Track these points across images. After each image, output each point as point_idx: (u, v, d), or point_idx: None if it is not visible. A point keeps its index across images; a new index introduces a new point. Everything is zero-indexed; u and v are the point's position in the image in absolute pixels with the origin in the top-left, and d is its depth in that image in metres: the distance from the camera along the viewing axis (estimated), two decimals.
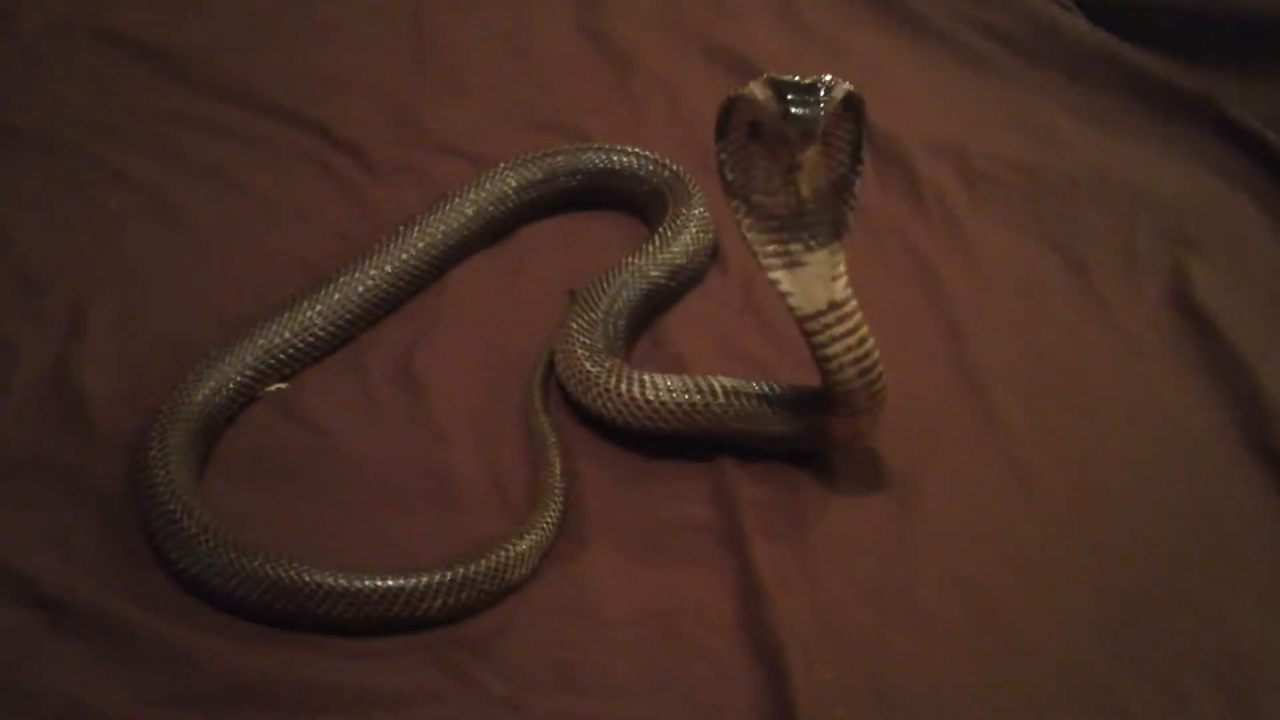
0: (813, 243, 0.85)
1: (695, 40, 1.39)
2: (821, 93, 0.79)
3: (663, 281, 1.04)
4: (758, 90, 0.80)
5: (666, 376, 0.91)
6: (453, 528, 0.87)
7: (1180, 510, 0.90)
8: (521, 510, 0.87)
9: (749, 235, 0.86)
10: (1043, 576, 0.85)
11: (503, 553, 0.82)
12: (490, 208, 1.12)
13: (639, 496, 0.90)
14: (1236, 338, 1.00)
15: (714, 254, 1.10)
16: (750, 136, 0.83)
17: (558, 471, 0.89)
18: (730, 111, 0.84)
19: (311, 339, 0.99)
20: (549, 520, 0.86)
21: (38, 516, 0.85)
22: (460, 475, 0.91)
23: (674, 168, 1.14)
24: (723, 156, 0.85)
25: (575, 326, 0.97)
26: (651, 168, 1.14)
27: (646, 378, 0.91)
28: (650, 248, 1.06)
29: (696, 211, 1.09)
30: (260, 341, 0.97)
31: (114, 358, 0.98)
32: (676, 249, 1.06)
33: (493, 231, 1.12)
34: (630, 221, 1.15)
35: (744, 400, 0.90)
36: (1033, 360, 1.01)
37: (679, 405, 0.90)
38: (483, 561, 0.81)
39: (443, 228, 1.09)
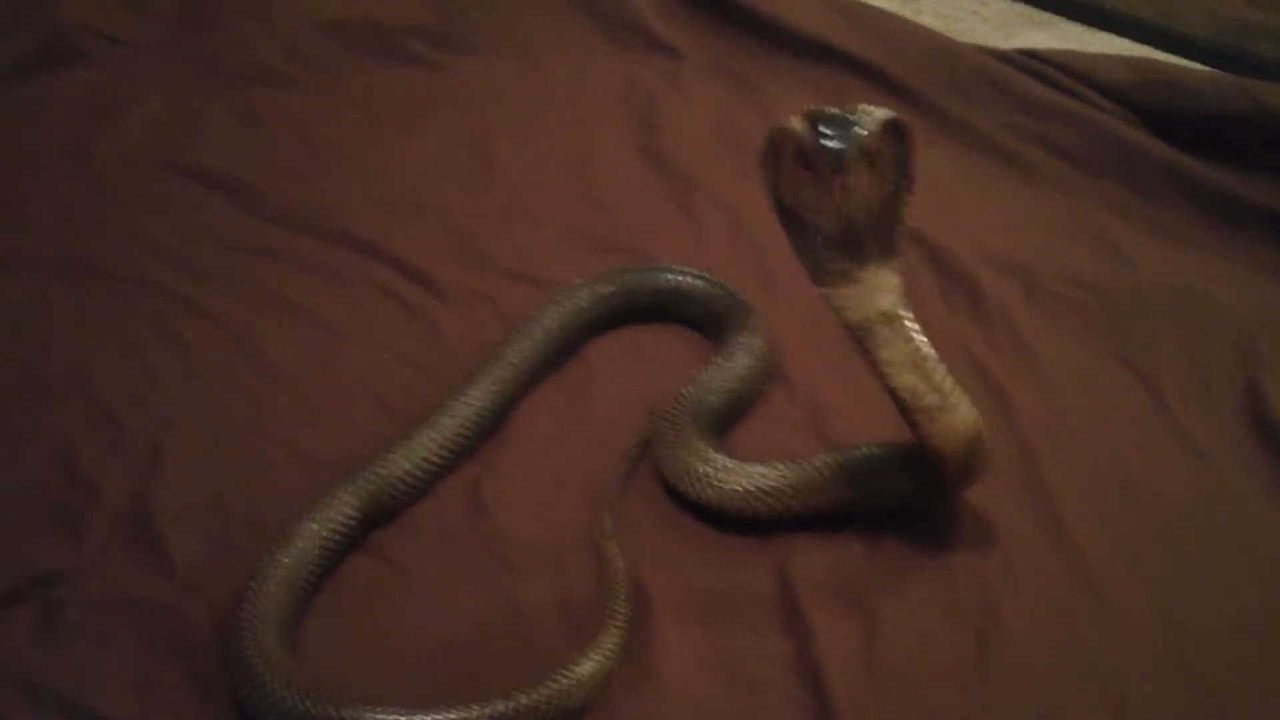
0: (863, 260, 0.89)
1: (750, 157, 1.40)
2: (854, 124, 0.83)
3: (724, 404, 1.06)
4: (795, 123, 0.85)
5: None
6: (525, 658, 0.87)
7: (1268, 638, 0.88)
8: (591, 635, 0.87)
9: (800, 254, 0.91)
10: (1128, 708, 0.83)
11: (563, 679, 0.82)
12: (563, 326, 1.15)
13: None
14: None
15: (772, 374, 1.11)
16: (795, 162, 0.87)
17: (622, 596, 0.89)
18: (774, 142, 0.88)
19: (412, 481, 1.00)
20: (612, 644, 0.86)
21: (117, 658, 0.86)
22: (531, 604, 0.91)
23: (731, 288, 1.16)
24: (771, 180, 0.90)
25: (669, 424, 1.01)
26: (709, 288, 1.17)
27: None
28: (712, 368, 1.08)
29: (753, 337, 1.11)
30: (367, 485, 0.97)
31: (192, 493, 0.99)
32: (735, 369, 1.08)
33: (566, 351, 1.15)
34: (689, 334, 1.17)
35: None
36: (1107, 481, 1.00)
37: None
38: (542, 689, 0.82)
39: (527, 351, 1.11)
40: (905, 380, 0.89)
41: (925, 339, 0.89)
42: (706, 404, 1.04)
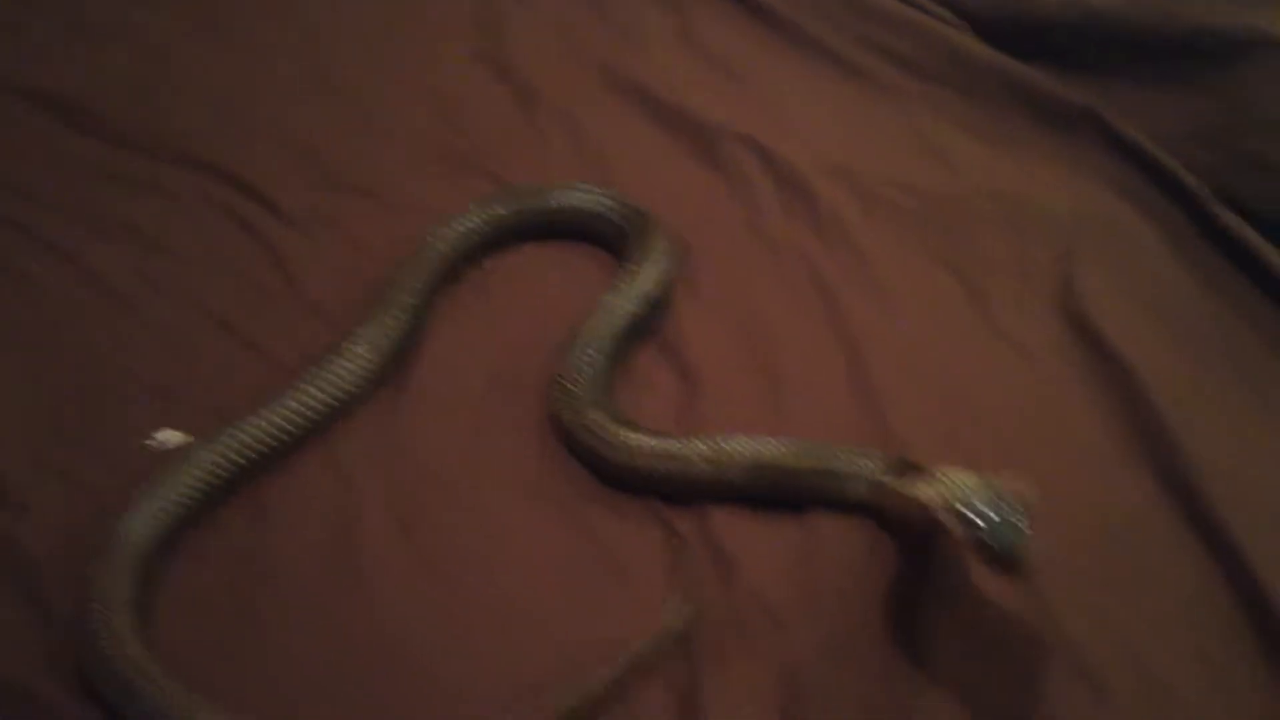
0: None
1: (594, 69, 1.41)
2: (1019, 521, 0.78)
3: (641, 315, 1.07)
4: (942, 512, 0.80)
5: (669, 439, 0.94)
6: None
7: (1080, 522, 0.92)
8: None
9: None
10: (960, 605, 0.87)
11: None
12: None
13: None
14: (1128, 351, 1.03)
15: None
16: None
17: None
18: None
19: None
20: None
21: None
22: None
23: (627, 200, 1.18)
24: None
25: (565, 378, 1.00)
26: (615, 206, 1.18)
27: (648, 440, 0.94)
28: (624, 283, 1.09)
29: (665, 246, 1.12)
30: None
31: (29, 419, 0.98)
32: (649, 282, 1.09)
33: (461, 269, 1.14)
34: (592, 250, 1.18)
35: (764, 473, 0.92)
36: (932, 382, 1.04)
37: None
38: None
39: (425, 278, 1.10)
40: None
41: None
42: (612, 330, 1.05)
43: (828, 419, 1.00)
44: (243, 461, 0.94)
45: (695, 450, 0.93)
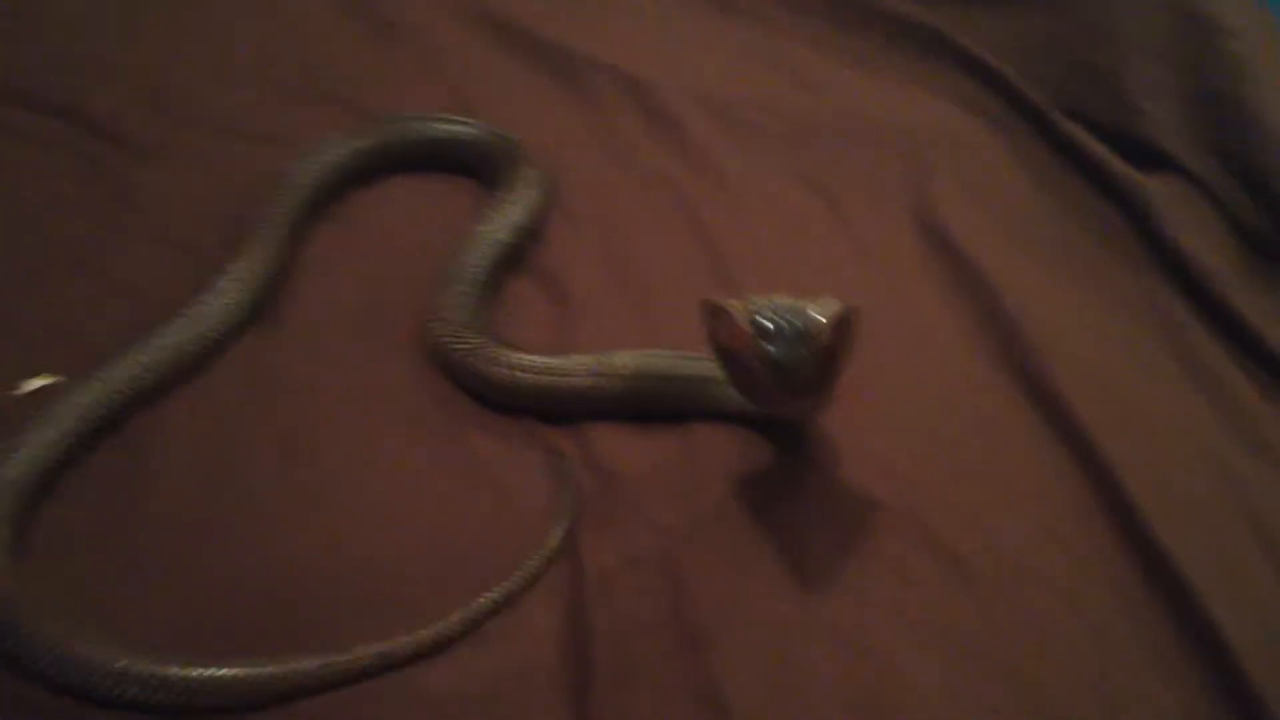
0: (803, 397, 0.85)
1: (455, 2, 1.40)
2: (810, 333, 0.77)
3: (515, 243, 1.08)
4: (740, 318, 0.79)
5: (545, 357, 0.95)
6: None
7: (939, 418, 0.97)
8: None
9: (738, 388, 0.87)
10: (830, 502, 0.91)
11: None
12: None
13: None
14: (978, 255, 1.08)
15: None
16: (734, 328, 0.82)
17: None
18: (714, 313, 0.83)
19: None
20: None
21: None
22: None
23: (496, 128, 1.18)
24: (710, 331, 0.85)
25: (443, 305, 1.00)
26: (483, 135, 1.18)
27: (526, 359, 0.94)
28: (495, 212, 1.09)
29: (534, 175, 1.13)
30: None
31: None
32: (521, 211, 1.10)
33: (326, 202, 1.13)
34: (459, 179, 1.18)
35: (644, 382, 0.94)
36: (792, 288, 1.06)
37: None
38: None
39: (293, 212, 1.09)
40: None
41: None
42: (486, 258, 1.05)
43: (698, 334, 1.03)
44: (117, 401, 0.93)
45: (579, 363, 0.95)
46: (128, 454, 0.93)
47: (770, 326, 0.78)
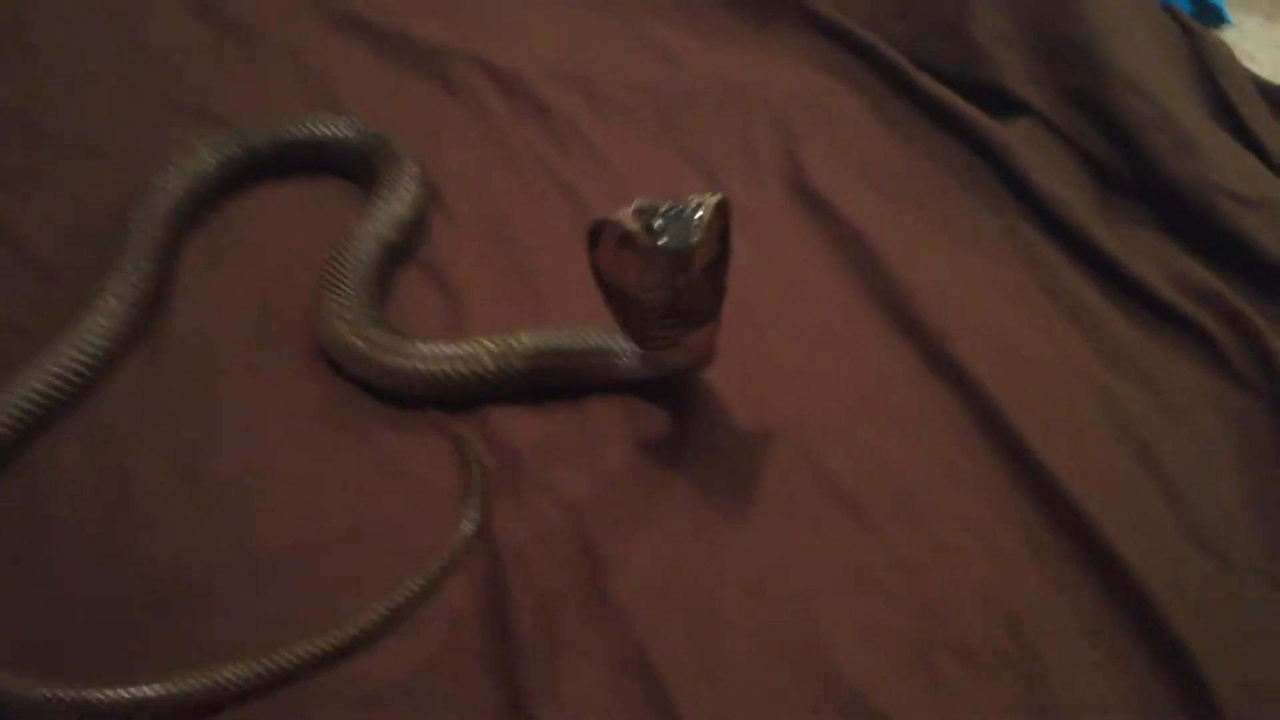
0: (689, 325, 0.89)
1: (311, 5, 1.39)
2: (691, 217, 0.81)
3: (398, 241, 1.08)
4: (627, 220, 0.82)
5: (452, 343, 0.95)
6: None
7: (827, 368, 1.00)
8: None
9: (624, 325, 0.90)
10: (734, 459, 0.93)
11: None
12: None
13: None
14: (850, 212, 1.12)
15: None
16: (620, 246, 0.85)
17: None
18: (600, 230, 0.86)
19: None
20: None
21: None
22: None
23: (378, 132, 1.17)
24: (597, 264, 0.88)
25: (335, 304, 0.99)
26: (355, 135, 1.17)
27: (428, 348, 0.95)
28: (378, 209, 1.09)
29: (412, 170, 1.13)
30: None
31: None
32: (402, 207, 1.10)
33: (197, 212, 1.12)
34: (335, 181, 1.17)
35: (547, 359, 0.95)
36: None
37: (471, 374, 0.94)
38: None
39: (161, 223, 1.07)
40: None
41: None
42: (372, 256, 1.05)
43: (585, 311, 1.04)
44: (6, 428, 0.91)
45: (482, 347, 0.96)
46: (23, 484, 0.91)
47: (655, 213, 0.81)
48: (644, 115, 1.25)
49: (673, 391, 0.97)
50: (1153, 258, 1.08)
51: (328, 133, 1.18)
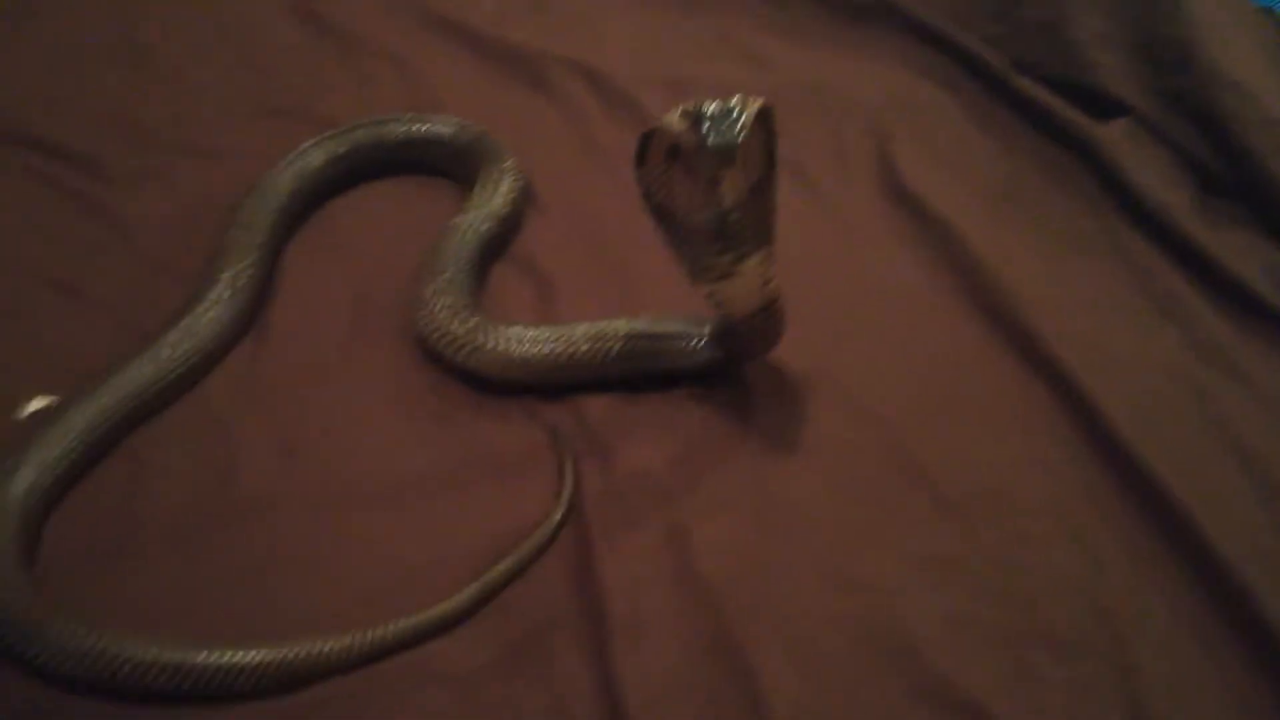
0: (742, 251, 0.89)
1: (412, 12, 1.43)
2: (737, 116, 0.82)
3: (496, 231, 1.11)
4: (674, 123, 0.83)
5: (545, 328, 0.97)
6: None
7: (921, 365, 1.00)
8: None
9: (678, 253, 0.91)
10: (821, 451, 0.93)
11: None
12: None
13: None
14: (945, 212, 1.11)
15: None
16: (669, 160, 0.86)
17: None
18: (648, 142, 0.87)
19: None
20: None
21: None
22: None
23: (472, 125, 1.20)
24: (646, 183, 0.89)
25: (434, 290, 1.02)
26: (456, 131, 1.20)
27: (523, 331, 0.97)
28: (477, 203, 1.12)
29: (511, 164, 1.16)
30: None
31: None
32: (501, 201, 1.13)
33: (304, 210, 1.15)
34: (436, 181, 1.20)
35: (636, 342, 0.96)
36: None
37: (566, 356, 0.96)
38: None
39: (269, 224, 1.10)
40: (756, 346, 0.93)
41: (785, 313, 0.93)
42: (470, 246, 1.07)
43: (677, 305, 1.05)
44: (118, 415, 0.94)
45: (576, 331, 0.98)
46: (131, 468, 0.94)
47: (700, 114, 0.82)
48: None
49: (760, 382, 0.97)
50: (1252, 257, 1.06)
51: (429, 130, 1.21)
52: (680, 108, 0.83)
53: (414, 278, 1.05)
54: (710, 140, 0.81)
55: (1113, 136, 1.17)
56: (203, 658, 0.78)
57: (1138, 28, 1.22)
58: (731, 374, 0.99)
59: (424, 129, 1.21)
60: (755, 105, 0.84)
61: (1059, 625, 0.81)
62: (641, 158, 0.88)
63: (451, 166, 1.20)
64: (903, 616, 0.82)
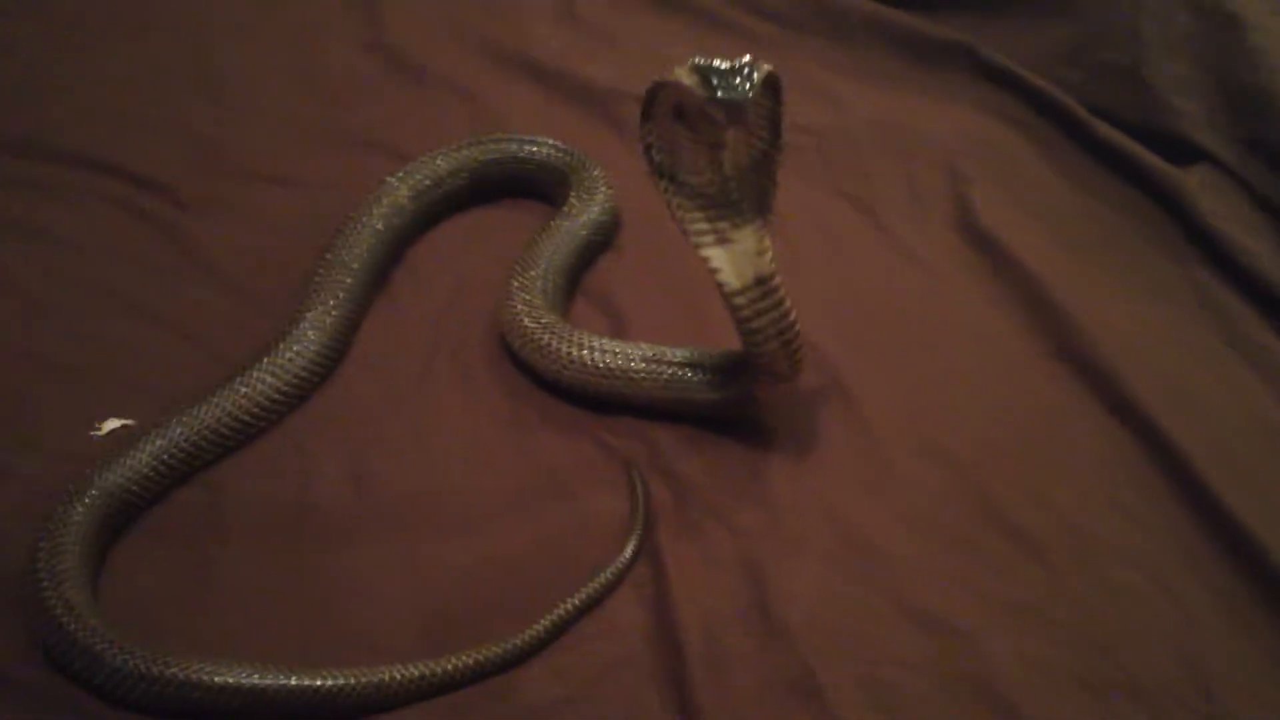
0: (739, 219, 0.90)
1: (478, 44, 1.44)
2: (746, 74, 0.82)
3: (589, 238, 1.12)
4: (684, 76, 0.83)
5: (610, 339, 0.98)
6: None
7: (999, 411, 0.99)
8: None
9: (679, 214, 0.91)
10: (899, 492, 0.92)
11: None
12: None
13: None
14: (1022, 254, 1.10)
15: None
16: (675, 118, 0.87)
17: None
18: (655, 96, 0.88)
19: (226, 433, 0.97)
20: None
21: None
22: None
23: (570, 148, 1.21)
24: (649, 139, 0.90)
25: (515, 284, 1.03)
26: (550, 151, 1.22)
27: (588, 338, 0.98)
28: (572, 209, 1.13)
29: (599, 173, 1.18)
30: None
31: None
32: (596, 208, 1.15)
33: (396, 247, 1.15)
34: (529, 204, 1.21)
35: (670, 368, 0.96)
36: (842, 297, 1.09)
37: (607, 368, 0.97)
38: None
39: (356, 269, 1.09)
40: (770, 348, 0.91)
41: (789, 303, 0.91)
42: (561, 249, 1.09)
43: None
44: (195, 444, 0.94)
45: (638, 350, 0.98)
46: (209, 490, 0.94)
47: (710, 69, 0.82)
48: (806, 155, 1.25)
49: (837, 421, 0.97)
50: None
51: (526, 150, 1.22)
52: (690, 61, 0.83)
53: (505, 273, 1.06)
54: (720, 94, 0.81)
55: (1192, 182, 1.16)
56: (275, 680, 0.78)
57: (1218, 73, 1.21)
58: (787, 410, 0.97)
59: (522, 148, 1.22)
60: (765, 68, 0.84)
61: (1145, 674, 0.80)
62: (647, 113, 0.88)
63: (546, 187, 1.20)
64: (985, 660, 0.81)
